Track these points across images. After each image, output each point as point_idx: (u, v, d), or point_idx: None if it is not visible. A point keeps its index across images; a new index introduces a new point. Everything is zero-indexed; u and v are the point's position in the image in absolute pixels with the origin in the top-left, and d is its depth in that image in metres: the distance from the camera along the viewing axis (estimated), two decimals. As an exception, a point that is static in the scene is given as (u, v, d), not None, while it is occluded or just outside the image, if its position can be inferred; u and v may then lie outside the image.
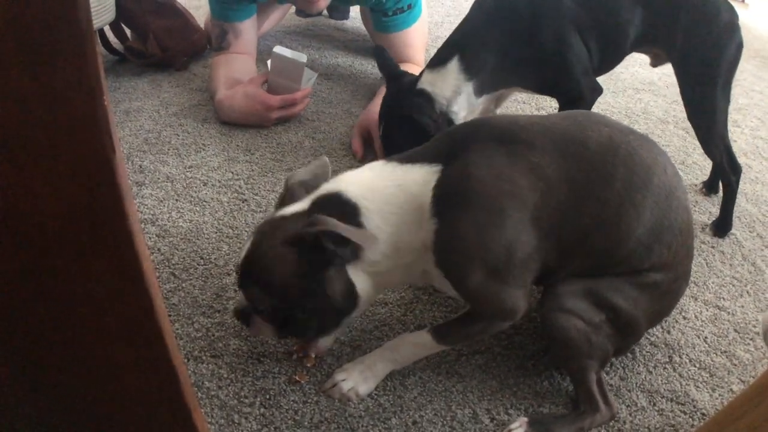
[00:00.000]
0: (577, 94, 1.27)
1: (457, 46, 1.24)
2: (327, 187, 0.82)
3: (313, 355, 0.91)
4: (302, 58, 1.46)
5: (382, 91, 1.49)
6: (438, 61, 1.25)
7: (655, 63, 1.39)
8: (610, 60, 1.33)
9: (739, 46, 1.23)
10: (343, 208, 0.78)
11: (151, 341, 0.49)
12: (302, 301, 0.79)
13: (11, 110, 0.38)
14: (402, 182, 0.80)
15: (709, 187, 1.46)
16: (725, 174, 1.30)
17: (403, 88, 1.27)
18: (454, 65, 1.22)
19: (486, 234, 0.77)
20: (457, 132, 0.85)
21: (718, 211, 1.35)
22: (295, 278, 0.77)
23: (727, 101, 1.25)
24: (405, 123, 1.23)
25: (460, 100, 1.23)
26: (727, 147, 1.28)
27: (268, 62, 1.49)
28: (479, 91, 1.25)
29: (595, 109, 1.82)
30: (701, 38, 1.22)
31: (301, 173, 0.90)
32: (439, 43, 1.32)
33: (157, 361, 0.51)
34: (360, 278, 0.80)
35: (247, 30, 1.65)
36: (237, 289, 0.83)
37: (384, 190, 0.80)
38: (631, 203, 0.81)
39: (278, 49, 1.46)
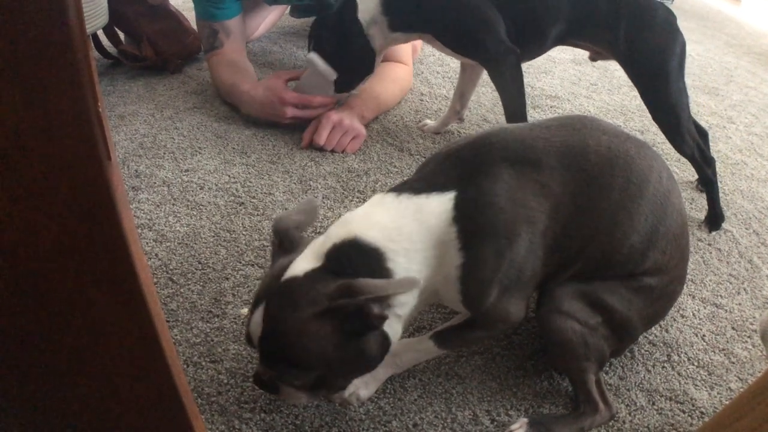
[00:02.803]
0: (492, 59, 1.33)
1: None
2: (338, 234, 0.75)
3: None
4: (332, 76, 1.41)
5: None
6: None
7: (594, 58, 1.44)
8: (527, 50, 1.37)
9: (683, 43, 1.28)
10: (366, 255, 0.73)
11: (149, 349, 0.49)
12: (341, 367, 0.74)
13: (4, 142, 0.37)
14: (419, 216, 0.76)
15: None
16: (699, 167, 1.32)
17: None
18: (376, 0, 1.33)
19: (504, 259, 0.77)
20: (463, 153, 0.81)
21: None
22: (335, 351, 0.70)
23: (685, 95, 1.29)
24: (334, 20, 1.36)
25: (376, 28, 1.35)
26: (696, 141, 1.31)
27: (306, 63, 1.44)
28: (392, 27, 1.35)
29: (590, 106, 1.84)
30: (644, 40, 1.27)
31: (292, 215, 0.84)
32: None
33: (156, 369, 0.51)
34: (391, 325, 0.76)
35: (237, 28, 1.64)
36: (258, 361, 0.76)
37: (404, 228, 0.75)
38: (627, 212, 0.81)
39: (313, 56, 1.40)
